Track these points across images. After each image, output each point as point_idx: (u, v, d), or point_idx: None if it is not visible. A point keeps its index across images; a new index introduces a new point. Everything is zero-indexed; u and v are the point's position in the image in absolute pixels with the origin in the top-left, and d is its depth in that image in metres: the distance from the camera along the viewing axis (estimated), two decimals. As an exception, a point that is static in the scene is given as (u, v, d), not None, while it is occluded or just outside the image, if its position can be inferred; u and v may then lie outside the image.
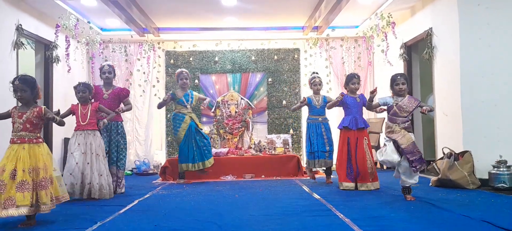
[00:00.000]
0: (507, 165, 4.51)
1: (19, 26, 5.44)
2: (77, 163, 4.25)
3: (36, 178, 3.16)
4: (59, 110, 4.08)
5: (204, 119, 7.95)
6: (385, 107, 4.17)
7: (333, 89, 7.87)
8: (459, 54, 4.99)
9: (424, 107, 3.96)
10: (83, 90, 4.43)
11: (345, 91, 4.98)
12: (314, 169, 5.78)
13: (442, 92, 5.48)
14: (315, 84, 5.60)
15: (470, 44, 4.97)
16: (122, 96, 5.01)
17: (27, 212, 3.07)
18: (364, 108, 4.88)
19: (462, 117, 4.95)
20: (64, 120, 3.83)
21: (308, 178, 5.90)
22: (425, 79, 6.46)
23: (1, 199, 3.00)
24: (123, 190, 4.93)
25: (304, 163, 7.41)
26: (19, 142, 3.21)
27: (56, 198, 3.33)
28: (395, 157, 3.94)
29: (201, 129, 6.00)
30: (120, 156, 4.91)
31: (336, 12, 6.37)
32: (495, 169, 4.56)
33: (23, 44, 5.52)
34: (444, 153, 4.97)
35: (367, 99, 4.58)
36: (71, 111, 4.44)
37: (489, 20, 4.93)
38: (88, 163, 4.28)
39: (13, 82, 3.26)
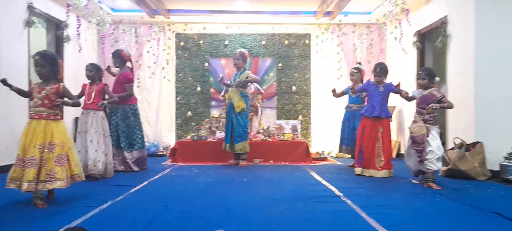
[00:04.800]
0: (519, 157, 4.46)
1: (31, 4, 5.44)
2: (86, 141, 4.37)
3: (48, 154, 3.16)
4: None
5: (213, 103, 7.96)
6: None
7: (344, 76, 7.79)
8: (474, 43, 4.89)
9: (441, 105, 4.10)
10: (90, 70, 4.60)
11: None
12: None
13: (455, 82, 5.40)
14: (352, 74, 5.80)
15: (485, 34, 4.86)
16: (124, 81, 5.16)
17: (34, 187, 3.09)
18: (392, 95, 4.90)
19: (475, 107, 4.88)
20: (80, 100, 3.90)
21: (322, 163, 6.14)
22: (438, 68, 6.31)
23: (28, 175, 3.06)
24: (142, 168, 5.22)
25: (313, 149, 7.42)
26: (37, 117, 3.22)
27: (72, 177, 3.31)
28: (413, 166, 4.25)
29: (238, 109, 5.68)
30: (133, 136, 5.13)
31: (349, -3, 6.27)
32: (507, 160, 4.51)
33: (34, 22, 5.53)
34: (455, 143, 4.93)
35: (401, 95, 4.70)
36: (84, 92, 4.58)
37: (506, 10, 4.81)
38: (91, 141, 4.38)
39: (33, 57, 3.30)
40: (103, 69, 4.89)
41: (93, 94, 4.49)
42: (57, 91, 3.30)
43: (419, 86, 4.35)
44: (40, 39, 6.37)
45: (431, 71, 4.33)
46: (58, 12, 6.18)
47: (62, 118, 3.39)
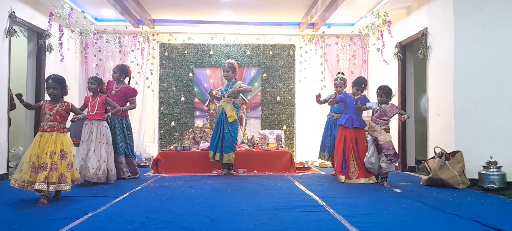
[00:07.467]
0: (497, 165, 4.56)
1: (12, 13, 5.36)
2: (89, 150, 4.68)
3: (59, 160, 3.66)
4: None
5: (198, 113, 7.94)
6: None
7: (327, 86, 7.88)
8: (453, 55, 5.02)
9: (403, 116, 4.81)
10: (92, 83, 4.95)
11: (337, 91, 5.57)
12: (322, 161, 6.42)
13: (435, 92, 5.52)
14: (337, 86, 5.79)
15: (464, 45, 4.99)
16: (128, 95, 5.51)
17: (49, 188, 3.57)
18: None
19: (454, 117, 4.99)
20: (83, 112, 4.33)
21: (306, 173, 6.19)
22: (419, 79, 6.49)
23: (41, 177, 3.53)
24: (136, 176, 5.49)
25: (297, 159, 7.45)
26: (49, 130, 3.73)
27: (72, 181, 3.82)
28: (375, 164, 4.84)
29: (231, 119, 5.71)
30: (128, 146, 5.43)
31: (333, 9, 6.37)
32: (485, 169, 4.61)
33: (16, 32, 5.44)
34: (435, 153, 5.01)
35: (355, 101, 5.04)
36: (86, 104, 4.93)
37: (484, 22, 4.96)
38: (94, 151, 4.70)
39: (47, 81, 3.85)
40: (104, 82, 5.17)
41: (97, 106, 4.82)
42: (67, 108, 3.89)
43: (381, 102, 4.84)
44: (21, 49, 6.27)
45: (388, 89, 4.86)
46: (40, 21, 6.10)
47: (67, 131, 3.92)
